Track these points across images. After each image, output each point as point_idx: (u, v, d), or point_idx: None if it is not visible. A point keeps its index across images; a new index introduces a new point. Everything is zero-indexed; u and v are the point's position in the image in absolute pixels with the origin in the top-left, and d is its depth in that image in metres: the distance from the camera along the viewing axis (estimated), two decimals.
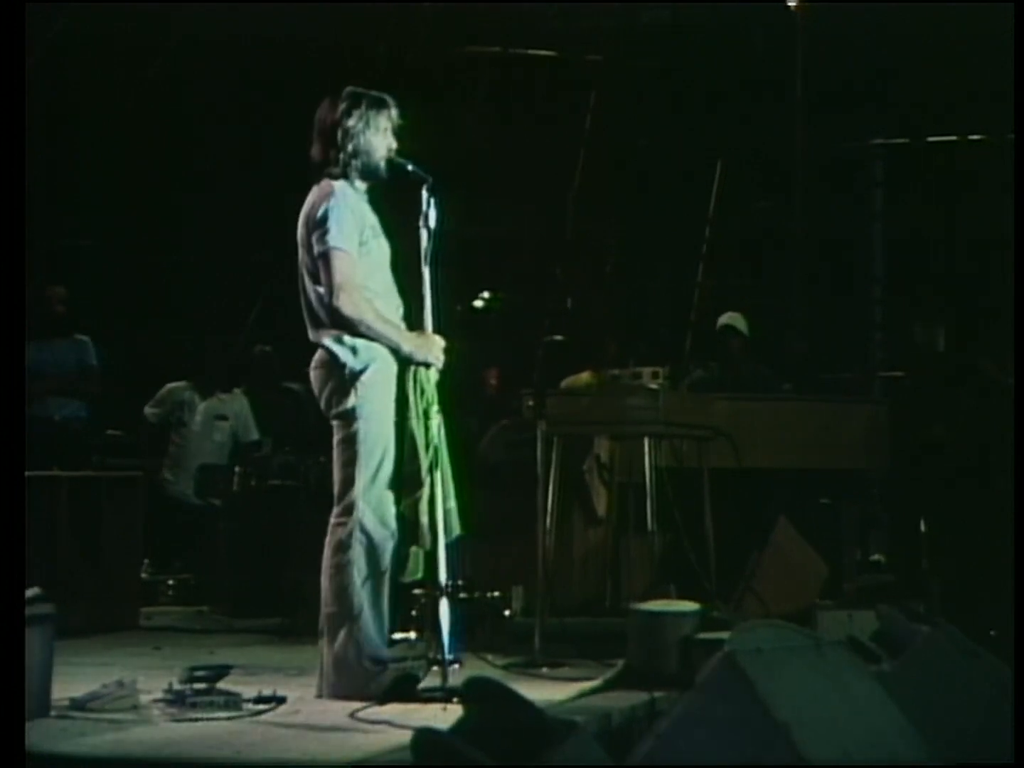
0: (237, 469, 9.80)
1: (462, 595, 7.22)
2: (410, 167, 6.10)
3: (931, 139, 13.46)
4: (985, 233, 11.72)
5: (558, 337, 9.29)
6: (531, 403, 7.28)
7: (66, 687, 5.74)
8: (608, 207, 13.89)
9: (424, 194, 6.06)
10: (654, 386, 8.08)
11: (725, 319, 9.81)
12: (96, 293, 12.03)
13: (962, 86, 12.48)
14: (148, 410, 11.05)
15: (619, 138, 13.99)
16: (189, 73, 12.75)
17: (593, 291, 13.70)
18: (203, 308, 12.95)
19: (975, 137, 13.10)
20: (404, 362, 5.98)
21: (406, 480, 5.94)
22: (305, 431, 10.05)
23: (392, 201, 6.22)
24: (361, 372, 5.92)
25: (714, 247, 14.18)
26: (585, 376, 8.65)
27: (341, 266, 5.90)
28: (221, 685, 5.75)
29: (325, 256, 5.92)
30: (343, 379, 5.93)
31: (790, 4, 11.53)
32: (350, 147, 6.03)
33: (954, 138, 13.27)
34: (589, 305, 13.19)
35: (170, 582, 10.18)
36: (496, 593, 7.72)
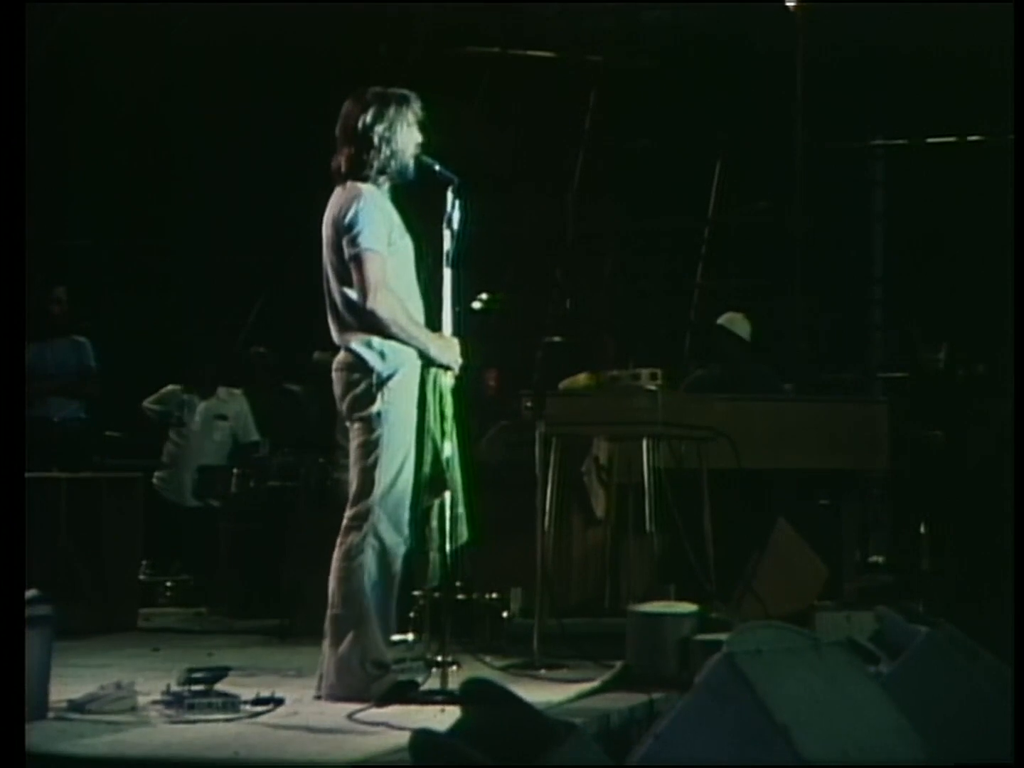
0: (236, 470, 9.79)
1: (461, 596, 7.26)
2: (437, 167, 6.08)
3: (931, 140, 13.47)
4: (985, 234, 11.71)
5: (557, 338, 9.27)
6: (530, 404, 7.27)
7: (64, 689, 5.74)
8: (608, 207, 13.89)
9: (449, 195, 6.05)
10: (653, 387, 8.07)
11: (720, 320, 9.77)
12: (96, 293, 12.03)
13: (962, 86, 12.47)
14: (148, 405, 11.05)
15: (619, 138, 13.99)
16: (189, 73, 12.74)
17: (592, 292, 13.70)
18: (202, 309, 12.95)
19: (975, 138, 13.10)
20: (426, 365, 5.98)
21: (432, 482, 5.93)
22: (304, 432, 10.07)
23: (410, 199, 6.20)
24: (389, 377, 5.91)
25: (713, 247, 14.19)
26: (584, 377, 8.63)
27: (374, 268, 5.88)
28: (219, 687, 5.75)
29: (357, 258, 5.89)
30: (369, 383, 5.91)
31: (790, 4, 11.52)
32: (385, 151, 6.00)
33: (954, 139, 13.28)
34: (588, 306, 13.19)
35: (168, 583, 10.18)
36: (495, 594, 7.72)
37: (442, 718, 5.28)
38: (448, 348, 6.03)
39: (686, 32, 13.31)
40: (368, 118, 6.01)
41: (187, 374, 11.22)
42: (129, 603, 8.85)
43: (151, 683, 5.89)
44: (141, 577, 9.65)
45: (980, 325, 11.19)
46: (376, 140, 6.00)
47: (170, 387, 11.12)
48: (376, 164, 6.01)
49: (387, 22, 13.01)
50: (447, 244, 6.03)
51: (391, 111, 6.03)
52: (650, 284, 14.23)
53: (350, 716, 5.53)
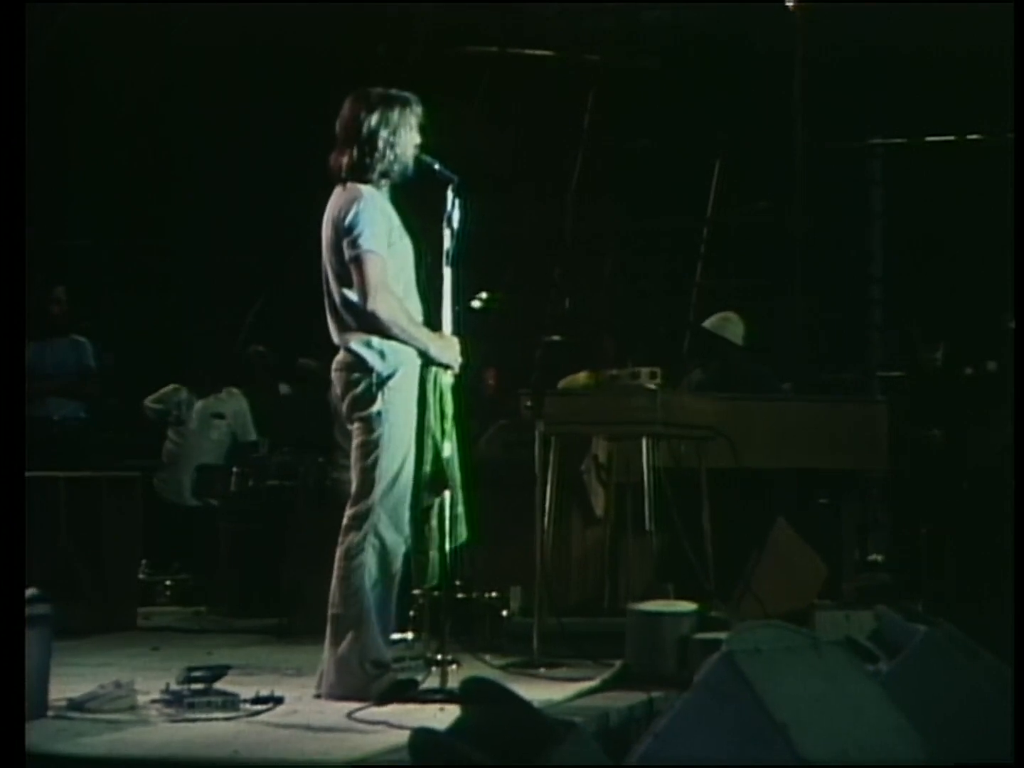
0: (235, 469, 9.80)
1: (460, 595, 7.26)
2: (436, 166, 6.08)
3: (930, 139, 13.47)
4: (984, 233, 11.72)
5: (556, 337, 9.27)
6: (529, 403, 7.27)
7: (64, 687, 5.75)
8: (607, 207, 13.89)
9: (449, 194, 6.04)
10: (652, 386, 8.06)
11: (707, 323, 9.74)
12: (96, 293, 12.04)
13: (962, 86, 12.47)
14: (148, 404, 11.05)
15: (618, 138, 13.98)
16: (188, 74, 12.75)
17: (591, 291, 13.70)
18: (202, 309, 12.95)
19: (974, 137, 13.11)
20: (426, 364, 5.97)
21: (432, 481, 5.93)
22: (304, 432, 10.07)
23: (409, 198, 6.20)
24: (389, 377, 5.91)
25: (713, 247, 14.19)
26: (583, 376, 8.63)
27: (375, 269, 5.87)
28: (219, 685, 5.75)
29: (358, 260, 5.88)
30: (369, 383, 5.91)
31: (789, 4, 11.52)
32: (389, 155, 5.99)
33: (952, 138, 13.28)
34: (587, 305, 13.20)
35: (168, 582, 10.19)
36: (494, 593, 7.72)
37: (442, 717, 5.28)
38: (448, 347, 6.03)
39: (686, 32, 13.31)
40: (373, 121, 5.99)
41: (187, 374, 11.23)
42: (129, 602, 8.85)
43: (150, 682, 5.89)
44: (140, 576, 9.66)
45: (980, 324, 11.19)
46: (380, 144, 5.99)
47: (171, 386, 11.13)
48: (379, 167, 6.00)
49: (387, 22, 13.01)
50: (447, 243, 6.03)
51: (395, 114, 6.02)
52: (650, 284, 14.23)
53: (350, 715, 5.53)
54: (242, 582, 9.28)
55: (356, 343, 5.94)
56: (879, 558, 10.81)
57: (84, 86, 12.65)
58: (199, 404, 11.00)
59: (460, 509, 6.03)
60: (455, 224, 6.03)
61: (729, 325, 9.45)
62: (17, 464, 5.53)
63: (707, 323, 9.58)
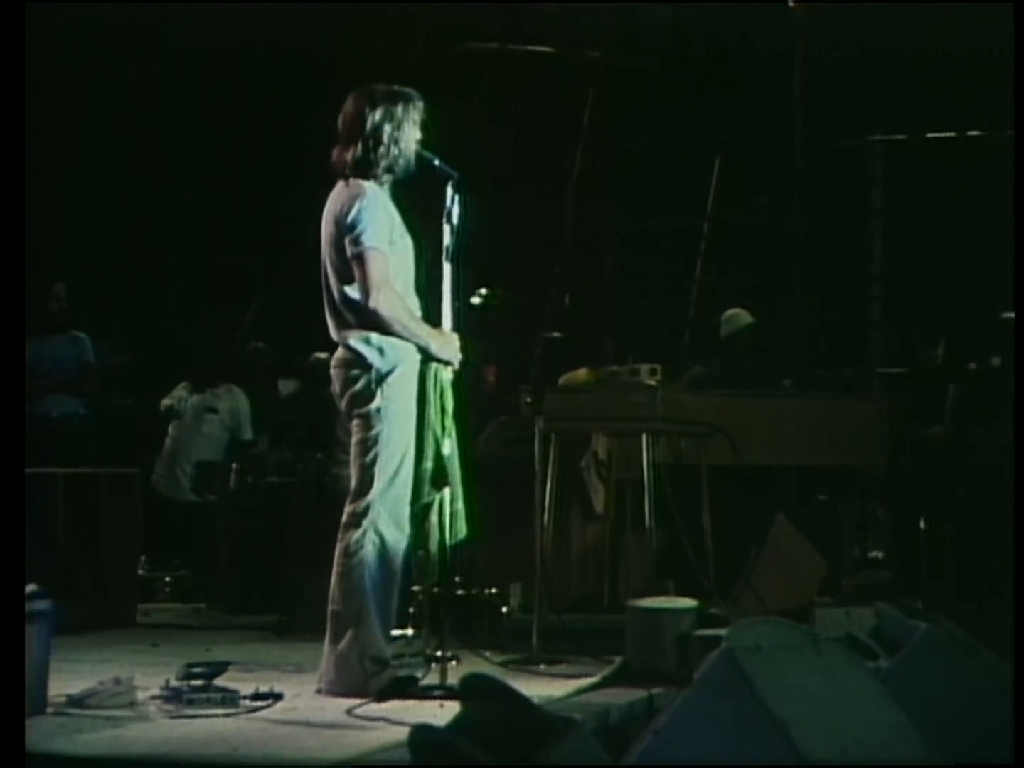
0: (234, 466, 9.80)
1: (460, 592, 7.26)
2: (437, 163, 6.08)
3: (930, 135, 13.47)
4: (984, 230, 11.72)
5: (556, 334, 9.27)
6: (529, 400, 7.28)
7: (63, 684, 5.75)
8: (606, 206, 13.89)
9: (449, 190, 6.04)
10: (652, 383, 8.07)
11: (745, 317, 9.76)
12: (95, 293, 12.03)
13: (962, 86, 12.47)
14: (164, 402, 11.11)
15: (618, 137, 13.99)
16: (188, 73, 12.75)
17: (591, 288, 13.71)
18: (202, 308, 12.95)
19: (974, 133, 13.11)
20: (426, 360, 5.97)
21: (433, 476, 5.93)
22: (303, 429, 10.07)
23: (409, 195, 6.19)
24: (388, 374, 5.91)
25: (712, 244, 14.19)
26: (583, 373, 8.64)
27: (377, 266, 5.86)
28: (218, 682, 5.75)
29: (360, 257, 5.87)
30: (369, 380, 5.91)
31: (790, 4, 11.52)
32: (394, 151, 5.98)
33: (953, 134, 13.28)
34: (587, 302, 13.20)
35: (167, 579, 10.18)
36: (494, 590, 7.72)
37: (441, 713, 5.28)
38: (448, 343, 6.03)
39: (685, 31, 13.32)
40: (377, 117, 5.99)
41: (187, 373, 11.24)
42: (128, 599, 8.85)
43: (150, 678, 5.89)
44: (140, 573, 9.66)
45: (980, 322, 11.19)
46: (385, 139, 5.98)
47: (183, 384, 11.16)
48: (383, 163, 6.00)
49: (387, 21, 13.01)
50: (447, 239, 6.03)
51: (399, 110, 6.02)
52: (650, 283, 14.24)
53: (349, 711, 5.54)
54: (242, 579, 9.29)
55: (355, 340, 5.94)
56: (879, 555, 10.81)
57: (84, 86, 12.64)
58: (195, 398, 11.02)
59: (460, 506, 6.03)
60: (455, 220, 6.02)
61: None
62: (16, 461, 5.53)
63: (744, 317, 9.65)
